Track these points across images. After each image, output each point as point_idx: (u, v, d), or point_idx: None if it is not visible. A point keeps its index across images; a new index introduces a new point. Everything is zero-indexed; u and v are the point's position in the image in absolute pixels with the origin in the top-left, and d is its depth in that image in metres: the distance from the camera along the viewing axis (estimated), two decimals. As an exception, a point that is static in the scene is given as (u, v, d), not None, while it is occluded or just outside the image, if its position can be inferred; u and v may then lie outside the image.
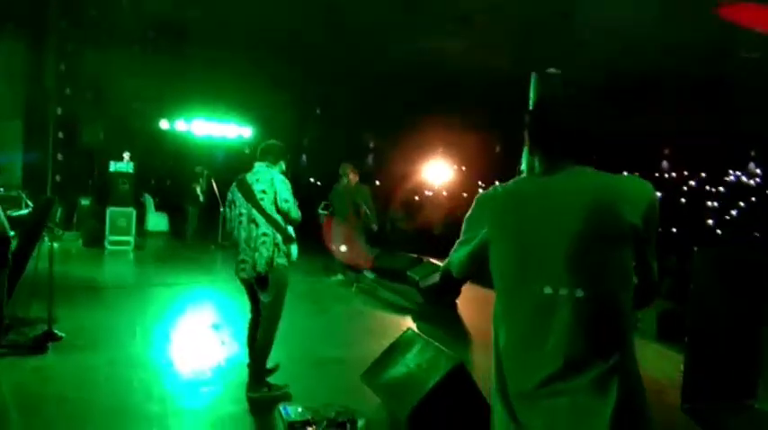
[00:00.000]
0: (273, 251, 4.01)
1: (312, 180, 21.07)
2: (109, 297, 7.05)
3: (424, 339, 4.01)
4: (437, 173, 14.99)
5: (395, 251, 10.13)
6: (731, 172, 18.39)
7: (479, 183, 19.15)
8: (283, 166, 4.32)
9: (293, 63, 14.96)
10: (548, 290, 1.39)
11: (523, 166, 1.74)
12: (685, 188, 17.43)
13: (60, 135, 12.98)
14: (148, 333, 5.60)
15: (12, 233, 4.93)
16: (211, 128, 12.63)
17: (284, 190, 4.06)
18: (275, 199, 4.03)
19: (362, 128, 20.96)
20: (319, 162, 20.92)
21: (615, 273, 1.40)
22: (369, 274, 8.62)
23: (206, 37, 13.70)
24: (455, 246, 1.65)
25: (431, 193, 16.29)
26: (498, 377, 1.48)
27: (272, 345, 4.18)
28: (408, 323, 6.59)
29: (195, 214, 11.11)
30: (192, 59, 14.10)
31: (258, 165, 4.21)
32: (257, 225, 4.02)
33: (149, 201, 12.87)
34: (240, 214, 4.11)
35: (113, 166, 10.53)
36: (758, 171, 18.50)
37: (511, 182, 1.59)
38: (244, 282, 4.23)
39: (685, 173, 16.07)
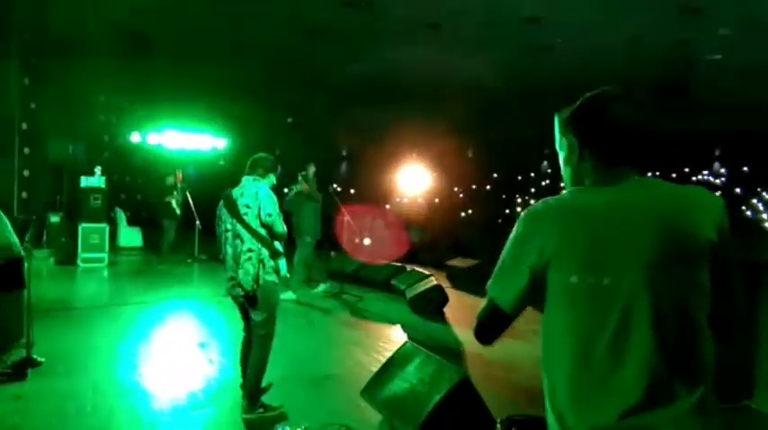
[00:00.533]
0: (259, 267, 3.90)
1: (286, 190, 20.85)
2: (87, 317, 6.78)
3: (425, 352, 3.93)
4: (412, 179, 14.95)
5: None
6: (688, 170, 18.83)
7: (455, 189, 19.19)
8: (273, 180, 4.22)
9: (263, 70, 14.81)
10: (625, 313, 1.26)
11: (566, 179, 1.48)
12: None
13: (26, 150, 12.56)
14: (131, 355, 5.38)
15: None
16: (184, 139, 12.35)
17: (269, 203, 3.94)
18: (259, 213, 3.91)
19: (336, 136, 20.85)
20: (293, 172, 20.75)
21: (695, 294, 1.29)
22: (323, 286, 8.47)
23: (175, 46, 13.46)
24: (498, 274, 1.41)
25: (405, 200, 16.26)
26: (556, 416, 1.32)
27: (266, 365, 4.06)
28: (398, 334, 6.51)
29: (172, 227, 10.85)
30: (162, 70, 13.83)
31: (245, 179, 4.10)
32: (242, 241, 3.91)
33: (121, 215, 12.53)
34: (226, 230, 4.01)
35: (85, 181, 10.22)
36: (723, 170, 18.98)
37: (565, 194, 1.41)
38: (234, 299, 4.12)
39: (657, 173, 16.36)
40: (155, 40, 14.12)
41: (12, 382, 4.44)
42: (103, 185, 10.35)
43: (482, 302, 1.46)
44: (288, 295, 7.85)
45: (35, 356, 4.87)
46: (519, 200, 20.10)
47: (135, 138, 12.38)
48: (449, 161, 17.18)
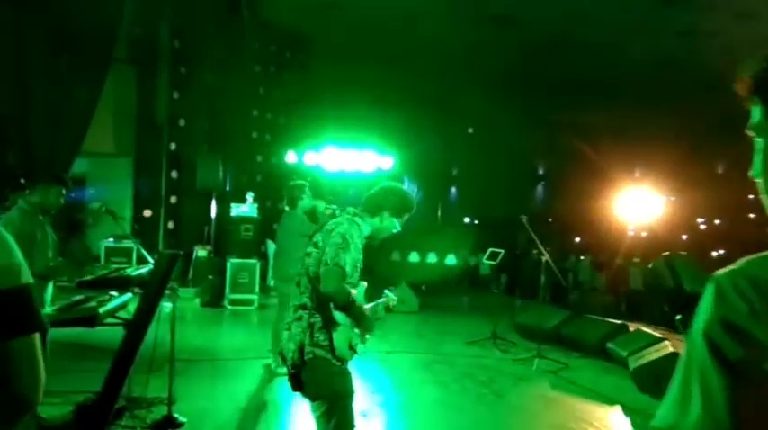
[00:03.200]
0: (306, 335, 3.35)
1: (467, 220, 20.97)
2: (233, 370, 7.30)
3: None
4: (635, 206, 14.03)
5: (584, 314, 9.69)
6: None
7: (698, 220, 17.92)
8: (396, 225, 3.69)
9: (438, 72, 15.13)
10: None
11: None
12: None
13: (174, 174, 14.03)
14: (281, 418, 5.67)
15: (129, 295, 5.27)
16: (345, 159, 12.99)
17: (334, 249, 3.36)
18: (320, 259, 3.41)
19: (529, 150, 20.63)
20: (474, 195, 20.85)
21: None
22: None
23: (336, 51, 14.29)
24: (677, 402, 1.13)
25: (631, 233, 15.49)
26: None
27: None
28: (617, 417, 6.15)
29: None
30: (323, 77, 14.73)
31: (345, 211, 3.68)
32: (299, 289, 3.51)
33: (273, 249, 13.42)
34: (299, 273, 3.61)
35: (235, 210, 11.13)
36: None
37: None
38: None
39: None
40: (316, 43, 15.17)
41: (152, 446, 4.90)
42: (256, 215, 11.19)
43: None
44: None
45: (176, 415, 5.32)
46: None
47: (290, 158, 13.25)
48: (689, 181, 16.09)
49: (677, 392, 1.14)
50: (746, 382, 1.05)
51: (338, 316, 3.37)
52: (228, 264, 10.88)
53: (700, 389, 1.09)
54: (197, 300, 11.14)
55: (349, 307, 3.37)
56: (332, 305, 3.35)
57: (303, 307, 3.41)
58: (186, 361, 7.19)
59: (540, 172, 23.46)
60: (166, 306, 8.69)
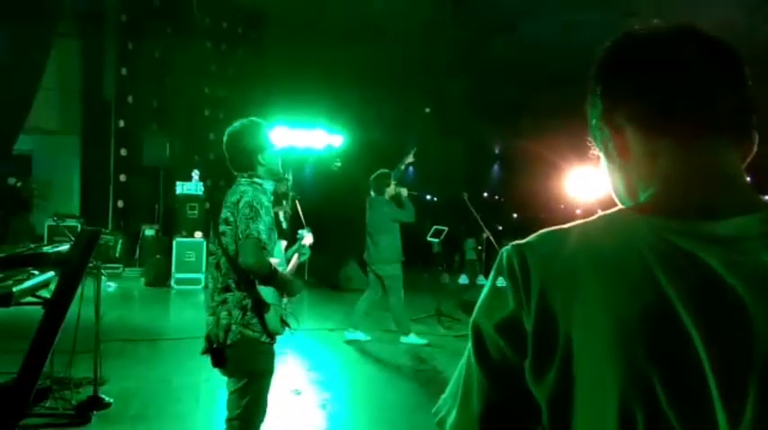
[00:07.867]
0: (238, 316, 3.26)
1: (429, 197, 20.91)
2: (171, 351, 7.17)
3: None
4: (587, 184, 13.98)
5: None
6: None
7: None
8: (266, 171, 3.46)
9: (395, 50, 14.98)
10: None
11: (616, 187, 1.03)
12: None
13: (123, 152, 13.73)
14: (217, 399, 5.56)
15: (51, 274, 5.07)
16: (295, 137, 12.78)
17: (244, 221, 3.21)
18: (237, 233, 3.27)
19: (487, 130, 20.59)
20: (431, 175, 20.76)
21: None
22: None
23: (288, 26, 14.05)
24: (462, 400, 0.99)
25: (578, 211, 15.54)
26: None
27: None
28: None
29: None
30: (273, 54, 14.49)
31: (239, 177, 3.47)
32: (220, 272, 3.36)
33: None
34: (210, 253, 3.55)
35: (180, 188, 10.88)
36: None
37: (599, 221, 0.95)
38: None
39: None
40: (266, 19, 14.90)
41: (72, 427, 4.74)
42: (201, 193, 10.95)
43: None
44: (412, 339, 7.69)
45: (103, 396, 5.17)
46: None
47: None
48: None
49: (452, 383, 1.03)
50: (504, 385, 0.93)
51: (265, 294, 3.26)
52: (174, 243, 10.67)
53: (462, 387, 0.98)
54: (142, 280, 10.93)
55: (272, 277, 3.26)
56: (257, 281, 3.25)
57: (226, 288, 3.29)
58: (124, 340, 7.06)
59: (497, 151, 23.48)
60: (109, 285, 8.52)
